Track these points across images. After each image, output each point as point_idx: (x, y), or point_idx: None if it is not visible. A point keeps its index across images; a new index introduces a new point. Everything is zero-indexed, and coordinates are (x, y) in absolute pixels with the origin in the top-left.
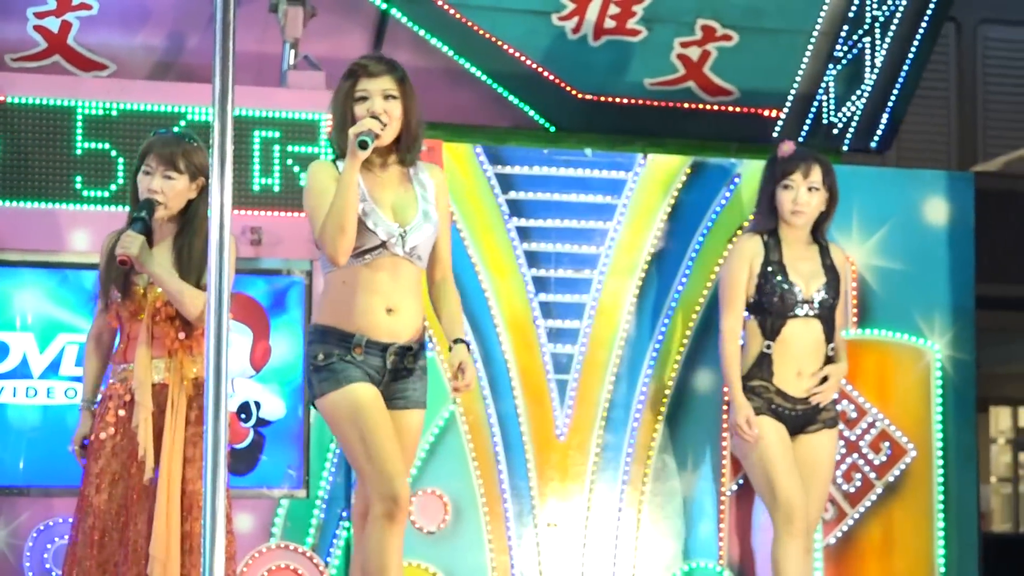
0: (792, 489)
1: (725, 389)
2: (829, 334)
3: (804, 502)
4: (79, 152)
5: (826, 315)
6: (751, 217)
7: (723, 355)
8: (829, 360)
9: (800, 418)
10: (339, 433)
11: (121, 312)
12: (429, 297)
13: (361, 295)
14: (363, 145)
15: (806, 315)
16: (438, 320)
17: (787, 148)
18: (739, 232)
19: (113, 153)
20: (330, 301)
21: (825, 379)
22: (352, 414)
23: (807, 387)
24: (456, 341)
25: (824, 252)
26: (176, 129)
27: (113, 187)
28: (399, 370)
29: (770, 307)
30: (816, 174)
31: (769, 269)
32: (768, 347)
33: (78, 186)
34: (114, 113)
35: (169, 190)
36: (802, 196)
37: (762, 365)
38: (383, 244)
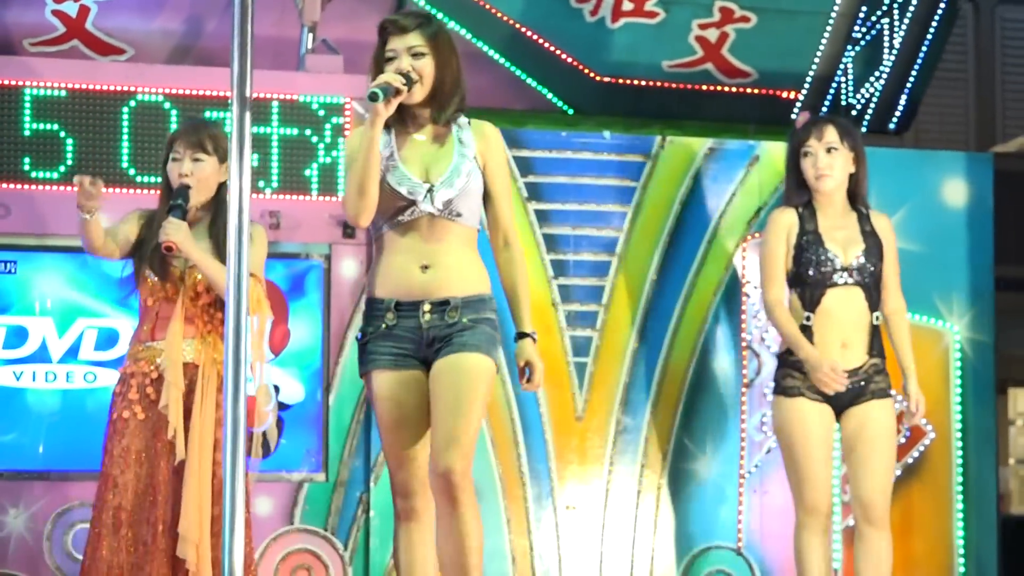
0: (821, 482)
1: (744, 372)
2: (873, 302)
3: (829, 494)
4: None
5: (869, 282)
6: (767, 201)
7: (776, 323)
8: (874, 331)
9: (847, 393)
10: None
11: (155, 292)
12: (497, 269)
13: (395, 256)
14: (373, 97)
15: (846, 283)
16: (507, 300)
17: (803, 118)
18: (759, 213)
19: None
20: (373, 270)
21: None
22: (376, 401)
23: (854, 360)
24: (520, 336)
25: (863, 218)
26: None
27: (131, 173)
28: (441, 326)
29: (808, 278)
30: (831, 134)
31: (805, 239)
32: (808, 319)
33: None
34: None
35: (199, 172)
36: (822, 159)
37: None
38: (413, 203)
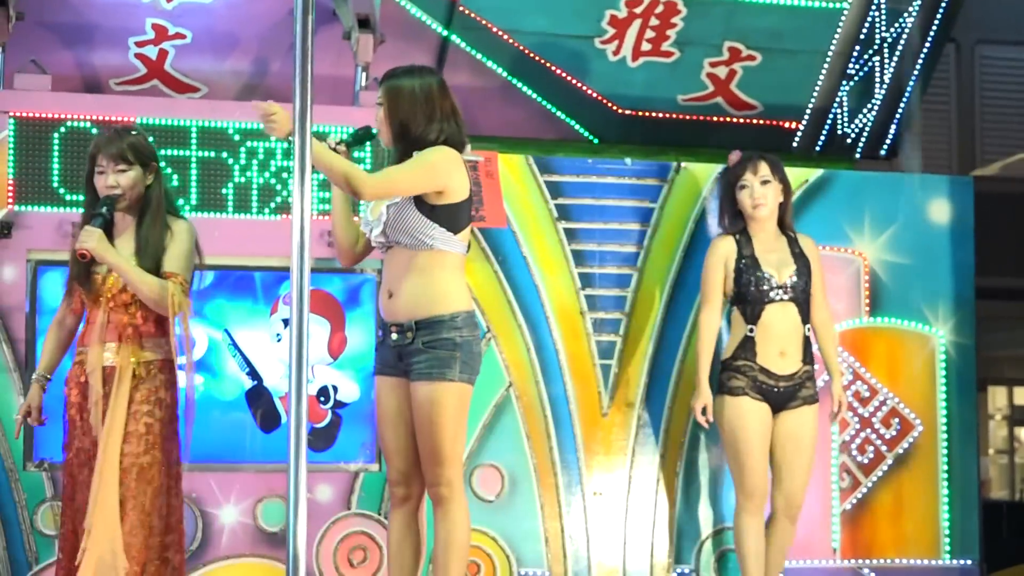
0: (759, 472)
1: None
2: (805, 316)
3: (766, 482)
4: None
5: (800, 298)
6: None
7: (697, 344)
8: (807, 341)
9: (783, 395)
10: None
11: (85, 299)
12: None
13: (382, 283)
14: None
15: (781, 299)
16: None
17: (734, 157)
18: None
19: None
20: None
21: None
22: (375, 402)
23: (790, 367)
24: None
25: (792, 242)
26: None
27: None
28: (403, 345)
29: (748, 296)
30: (764, 168)
31: (743, 263)
32: (751, 331)
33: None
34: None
35: (125, 181)
36: (758, 190)
37: (746, 347)
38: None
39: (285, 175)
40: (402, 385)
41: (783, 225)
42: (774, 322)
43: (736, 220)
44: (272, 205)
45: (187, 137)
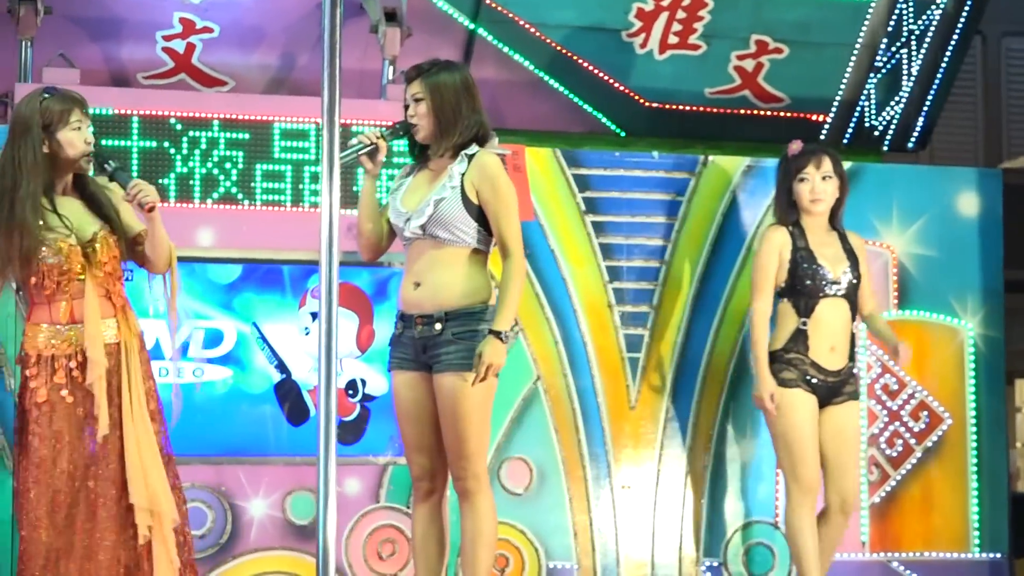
0: (812, 464)
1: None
2: (854, 312)
3: (819, 475)
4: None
5: (851, 295)
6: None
7: (753, 334)
8: (853, 338)
9: (830, 389)
10: None
11: (50, 272)
12: None
13: (405, 274)
14: (345, 165)
15: (835, 295)
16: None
17: (796, 147)
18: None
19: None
20: None
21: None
22: (393, 398)
23: (839, 362)
24: (488, 332)
25: (843, 238)
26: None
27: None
28: (429, 337)
29: (803, 289)
30: (827, 164)
31: (799, 255)
32: (804, 324)
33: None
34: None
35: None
36: (818, 185)
37: (798, 340)
38: (402, 230)
39: (313, 168)
40: (423, 380)
41: (833, 220)
42: (827, 317)
43: (790, 211)
44: (301, 198)
45: (211, 127)
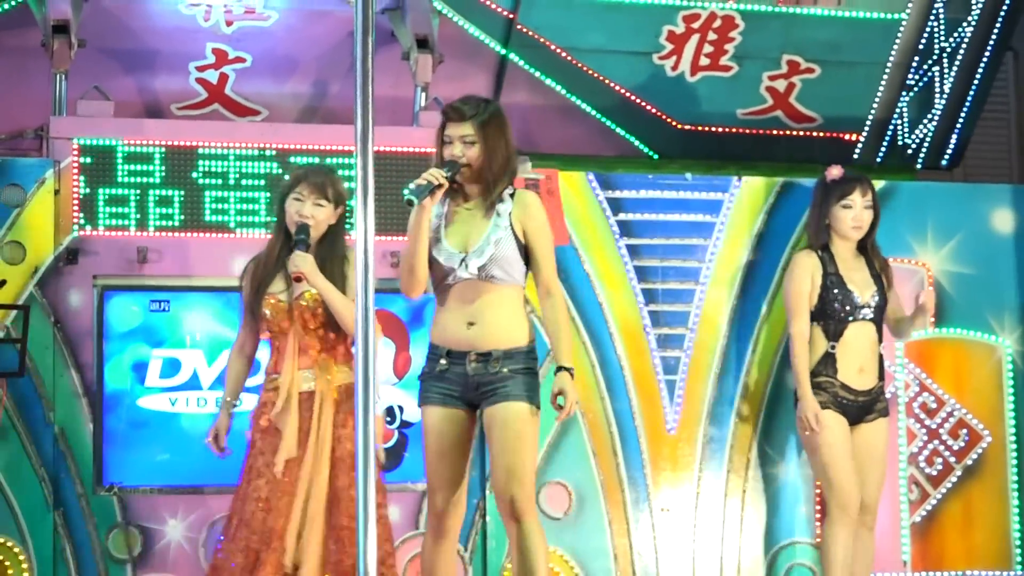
0: (849, 481)
1: None
2: (881, 334)
3: (858, 492)
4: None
5: (878, 318)
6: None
7: (794, 356)
8: (881, 359)
9: (861, 408)
10: None
11: (271, 327)
12: (542, 315)
13: (447, 314)
14: (408, 203)
15: (863, 318)
16: (549, 340)
17: (836, 172)
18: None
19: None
20: (433, 321)
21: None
22: (424, 432)
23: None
24: (559, 369)
25: (870, 262)
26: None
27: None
28: (484, 374)
29: (832, 313)
30: (871, 194)
31: (829, 281)
32: (833, 347)
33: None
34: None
35: (320, 214)
36: (863, 215)
37: (827, 363)
38: (454, 270)
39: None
40: (467, 416)
41: (862, 246)
42: (855, 340)
43: (822, 234)
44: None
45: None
